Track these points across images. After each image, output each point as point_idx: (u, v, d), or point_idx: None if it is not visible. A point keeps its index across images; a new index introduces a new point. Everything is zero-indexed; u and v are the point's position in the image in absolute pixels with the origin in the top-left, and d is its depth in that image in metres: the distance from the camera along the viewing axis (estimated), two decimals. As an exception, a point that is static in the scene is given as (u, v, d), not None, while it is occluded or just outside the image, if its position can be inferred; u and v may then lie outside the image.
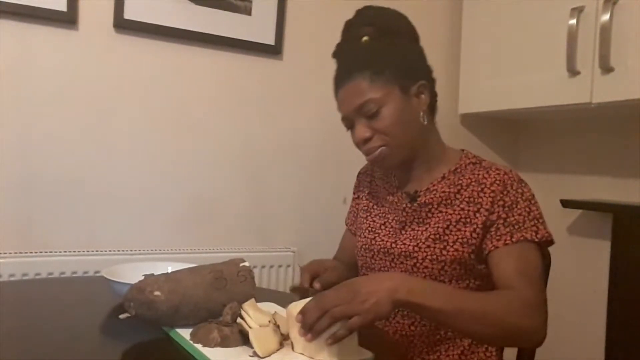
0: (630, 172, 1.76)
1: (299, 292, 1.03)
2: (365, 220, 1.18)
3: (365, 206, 1.21)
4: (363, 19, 1.08)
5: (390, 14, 1.09)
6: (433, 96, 1.09)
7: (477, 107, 1.96)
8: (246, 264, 0.99)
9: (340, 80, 1.06)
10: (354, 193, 1.29)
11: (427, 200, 1.07)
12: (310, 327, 0.79)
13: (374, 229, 1.14)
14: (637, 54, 1.42)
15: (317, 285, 1.03)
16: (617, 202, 1.75)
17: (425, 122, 1.05)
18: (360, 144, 1.05)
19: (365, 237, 1.15)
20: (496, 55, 1.86)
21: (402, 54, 1.05)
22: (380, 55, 1.03)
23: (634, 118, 1.73)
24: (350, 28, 1.10)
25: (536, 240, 0.98)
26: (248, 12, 1.74)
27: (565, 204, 1.82)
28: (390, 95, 1.02)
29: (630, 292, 1.67)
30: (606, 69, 1.48)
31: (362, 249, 1.15)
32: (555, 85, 1.63)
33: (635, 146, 1.75)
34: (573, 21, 1.55)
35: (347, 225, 1.31)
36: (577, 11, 1.55)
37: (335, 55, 1.10)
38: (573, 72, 1.57)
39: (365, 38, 1.05)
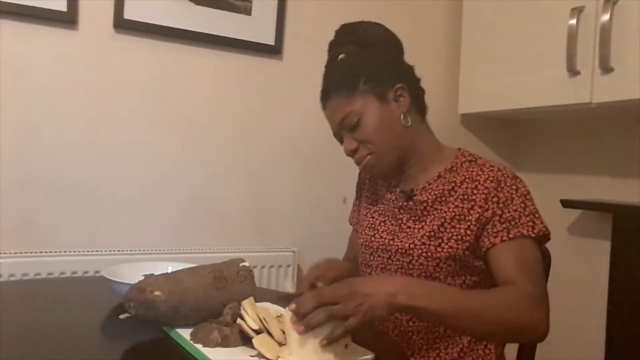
0: (630, 172, 1.76)
1: (292, 298, 1.01)
2: (365, 217, 1.19)
3: (366, 203, 1.22)
4: (340, 38, 1.12)
5: (365, 27, 1.12)
6: (416, 96, 1.10)
7: (477, 107, 1.96)
8: (246, 264, 0.99)
9: (323, 100, 1.11)
10: (356, 192, 1.30)
11: (422, 199, 1.08)
12: (303, 317, 0.77)
13: (373, 226, 1.16)
14: (637, 54, 1.42)
15: (320, 284, 1.04)
16: (617, 202, 1.75)
17: (409, 124, 1.07)
18: (349, 155, 1.10)
19: (365, 234, 1.16)
20: (496, 55, 1.86)
21: (373, 63, 1.07)
22: (353, 70, 1.07)
23: (634, 118, 1.73)
24: (331, 49, 1.14)
25: (533, 235, 0.98)
26: (248, 12, 1.74)
27: (565, 204, 1.82)
28: (367, 105, 1.05)
29: (630, 292, 1.66)
30: (606, 69, 1.48)
31: (363, 246, 1.17)
32: (555, 85, 1.63)
33: (635, 146, 1.75)
34: (573, 21, 1.55)
35: (352, 224, 1.32)
36: (577, 11, 1.55)
37: (322, 77, 1.14)
38: (573, 72, 1.57)
39: (341, 56, 1.10)
